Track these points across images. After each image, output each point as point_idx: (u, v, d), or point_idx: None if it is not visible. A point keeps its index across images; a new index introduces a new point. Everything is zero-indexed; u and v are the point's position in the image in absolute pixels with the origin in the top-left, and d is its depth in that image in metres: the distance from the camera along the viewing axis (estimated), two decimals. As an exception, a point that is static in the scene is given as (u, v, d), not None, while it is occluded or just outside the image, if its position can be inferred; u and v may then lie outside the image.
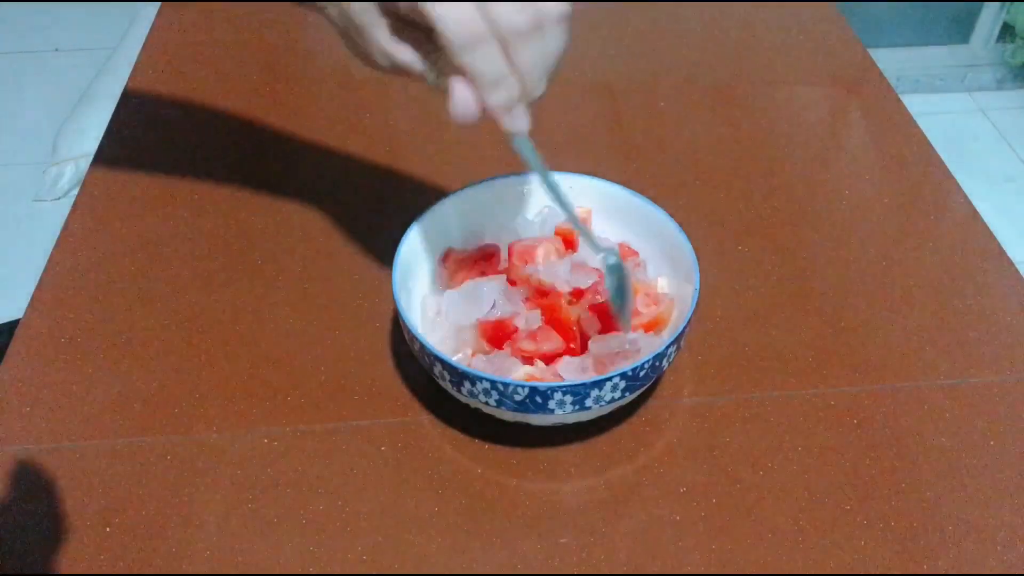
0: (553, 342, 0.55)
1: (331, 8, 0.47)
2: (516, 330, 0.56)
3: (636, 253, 0.62)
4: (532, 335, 0.55)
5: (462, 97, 0.43)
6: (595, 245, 0.54)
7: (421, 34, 0.46)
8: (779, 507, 0.53)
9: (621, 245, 0.62)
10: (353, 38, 0.48)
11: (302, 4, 0.50)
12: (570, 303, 0.57)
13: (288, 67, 0.89)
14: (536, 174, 0.49)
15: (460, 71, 0.43)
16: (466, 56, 0.42)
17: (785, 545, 0.52)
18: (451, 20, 0.41)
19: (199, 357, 0.61)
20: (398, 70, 0.47)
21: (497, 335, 0.56)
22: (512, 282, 0.59)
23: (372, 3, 0.46)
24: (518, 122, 0.45)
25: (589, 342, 0.55)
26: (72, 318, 0.64)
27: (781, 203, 0.74)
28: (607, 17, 0.97)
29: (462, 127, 0.45)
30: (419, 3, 0.42)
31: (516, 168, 0.64)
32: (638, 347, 0.54)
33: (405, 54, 0.46)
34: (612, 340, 0.54)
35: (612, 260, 0.55)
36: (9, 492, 0.54)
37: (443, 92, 0.45)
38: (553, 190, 0.50)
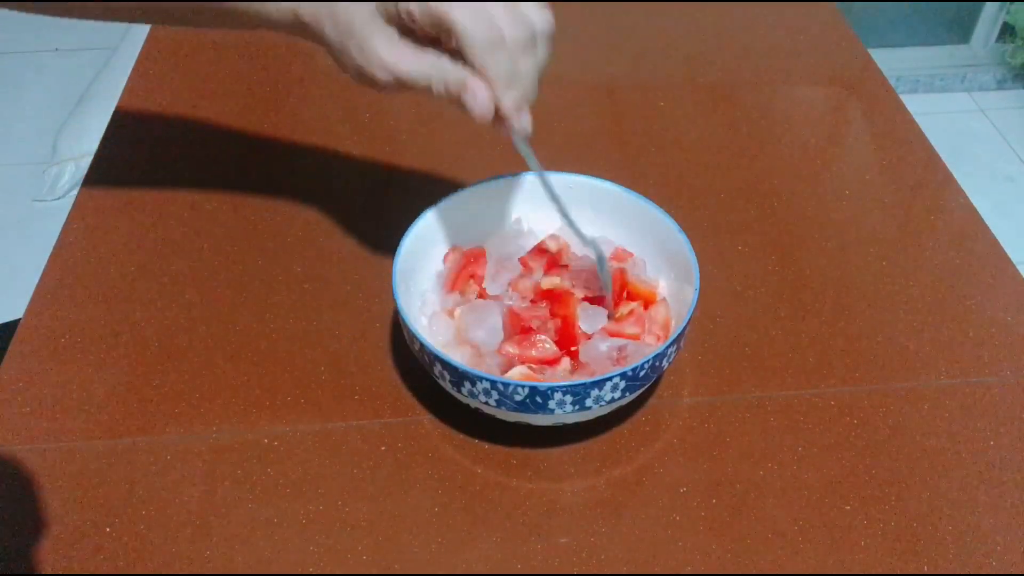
0: (541, 350, 0.55)
1: (327, 26, 0.48)
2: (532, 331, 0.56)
3: (631, 254, 0.62)
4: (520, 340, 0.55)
5: (483, 95, 0.47)
6: (584, 238, 0.57)
7: (423, 43, 0.47)
8: (779, 507, 0.53)
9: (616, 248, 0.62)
10: (351, 54, 0.48)
11: (291, 33, 0.50)
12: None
13: (288, 67, 0.89)
14: (533, 171, 0.54)
15: (479, 72, 0.46)
16: (488, 57, 0.46)
17: (785, 545, 0.52)
18: (472, 23, 0.45)
19: (199, 357, 0.61)
20: (400, 84, 0.48)
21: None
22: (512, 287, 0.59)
23: (374, 14, 0.46)
24: (526, 121, 0.49)
25: (581, 346, 0.55)
26: (72, 318, 0.64)
27: (781, 203, 0.74)
28: (607, 17, 0.97)
29: (480, 125, 0.48)
30: (437, 4, 0.44)
31: (516, 169, 0.64)
32: (626, 353, 0.54)
33: (410, 64, 0.47)
34: (601, 344, 0.55)
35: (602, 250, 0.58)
36: (8, 491, 0.54)
37: (450, 101, 0.48)
38: (548, 187, 0.55)
